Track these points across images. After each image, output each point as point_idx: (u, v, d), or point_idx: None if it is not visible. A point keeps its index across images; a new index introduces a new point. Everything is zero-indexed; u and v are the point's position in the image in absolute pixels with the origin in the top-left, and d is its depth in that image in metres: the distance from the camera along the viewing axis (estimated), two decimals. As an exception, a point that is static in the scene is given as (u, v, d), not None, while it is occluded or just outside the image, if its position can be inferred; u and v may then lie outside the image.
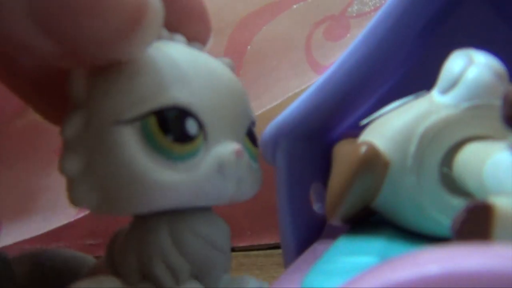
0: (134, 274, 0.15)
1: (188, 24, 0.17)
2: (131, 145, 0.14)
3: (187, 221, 0.16)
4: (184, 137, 0.15)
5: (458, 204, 0.18)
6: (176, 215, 0.16)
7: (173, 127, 0.15)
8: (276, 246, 0.38)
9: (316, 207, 0.26)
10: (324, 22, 0.38)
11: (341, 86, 0.22)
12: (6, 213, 0.37)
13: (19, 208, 0.36)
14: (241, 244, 0.39)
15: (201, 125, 0.15)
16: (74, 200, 0.14)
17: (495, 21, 0.27)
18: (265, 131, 0.22)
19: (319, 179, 0.26)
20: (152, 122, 0.14)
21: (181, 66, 0.15)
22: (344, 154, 0.21)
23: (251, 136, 0.18)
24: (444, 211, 0.18)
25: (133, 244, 0.16)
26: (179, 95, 0.15)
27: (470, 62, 0.18)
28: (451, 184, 0.18)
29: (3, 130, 0.37)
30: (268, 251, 0.38)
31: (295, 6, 0.38)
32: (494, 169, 0.14)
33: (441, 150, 0.18)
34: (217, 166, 0.16)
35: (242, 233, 0.39)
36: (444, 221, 0.18)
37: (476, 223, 0.11)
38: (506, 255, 0.08)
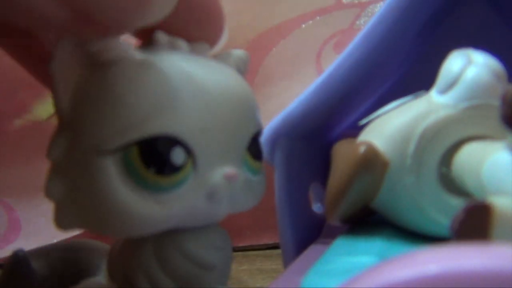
0: (123, 284, 0.15)
1: (197, 22, 0.16)
2: (112, 176, 0.13)
3: (174, 239, 0.15)
4: (168, 169, 0.14)
5: (457, 203, 0.18)
6: (164, 232, 0.15)
7: (157, 159, 0.14)
8: (275, 246, 0.38)
9: (315, 207, 0.26)
10: (334, 37, 0.38)
11: (340, 86, 0.22)
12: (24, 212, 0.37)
13: (36, 208, 0.37)
14: (240, 244, 0.39)
15: (190, 152, 0.14)
16: (57, 224, 0.14)
17: (493, 21, 0.27)
18: (264, 131, 0.22)
19: (318, 179, 0.26)
20: (134, 153, 0.13)
21: (172, 88, 0.14)
22: (344, 154, 0.21)
23: (253, 149, 0.17)
24: (443, 210, 0.18)
25: (121, 256, 0.15)
26: (167, 123, 0.14)
27: (469, 62, 0.18)
28: (450, 183, 0.18)
29: (2, 130, 0.37)
30: (267, 251, 0.38)
31: (303, 25, 0.38)
32: (493, 169, 0.14)
33: (440, 150, 0.18)
34: (206, 194, 0.15)
35: (241, 233, 0.39)
36: (443, 221, 0.18)
37: (475, 223, 0.11)
38: (504, 255, 0.08)
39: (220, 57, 0.17)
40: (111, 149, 0.13)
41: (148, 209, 0.14)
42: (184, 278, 0.15)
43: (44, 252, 0.19)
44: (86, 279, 0.18)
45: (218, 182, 0.15)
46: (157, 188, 0.14)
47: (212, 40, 0.17)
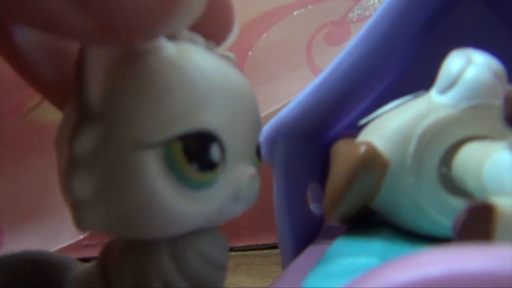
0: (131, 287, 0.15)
1: (206, 17, 0.15)
2: (153, 172, 0.13)
3: (189, 239, 0.15)
4: (208, 165, 0.13)
5: (457, 204, 0.18)
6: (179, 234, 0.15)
7: (199, 154, 0.13)
8: (273, 246, 0.38)
9: (313, 207, 0.26)
10: (325, 27, 0.38)
11: (338, 86, 0.22)
12: (8, 218, 0.37)
13: (22, 214, 0.36)
14: (239, 244, 0.39)
15: (223, 150, 0.14)
16: (81, 225, 0.13)
17: (491, 21, 0.27)
18: (262, 131, 0.22)
19: (316, 179, 0.26)
20: (177, 148, 0.13)
21: (208, 81, 0.14)
22: (343, 154, 0.21)
23: (257, 147, 0.17)
24: (443, 211, 0.18)
25: (130, 260, 0.15)
26: (208, 118, 0.13)
27: (469, 61, 0.18)
28: (450, 184, 0.18)
29: (1, 130, 0.37)
30: (266, 251, 0.38)
31: (295, 13, 0.38)
32: (494, 169, 0.14)
33: (440, 150, 0.18)
34: (233, 194, 0.15)
35: (240, 233, 0.39)
36: (443, 221, 0.18)
37: (478, 223, 0.11)
38: (508, 255, 0.08)
39: (221, 56, 0.17)
40: (153, 144, 0.13)
41: (187, 206, 0.13)
42: (199, 279, 0.15)
43: (4, 263, 0.18)
44: None
45: (245, 181, 0.15)
46: (196, 184, 0.13)
47: (219, 37, 0.17)
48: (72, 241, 0.36)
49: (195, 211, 0.14)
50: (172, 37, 0.14)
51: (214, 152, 0.14)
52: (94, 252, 0.39)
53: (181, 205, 0.13)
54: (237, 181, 0.15)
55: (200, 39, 0.16)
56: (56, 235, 0.36)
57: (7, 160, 0.37)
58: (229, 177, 0.15)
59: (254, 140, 0.16)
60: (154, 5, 0.11)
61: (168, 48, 0.13)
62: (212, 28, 0.16)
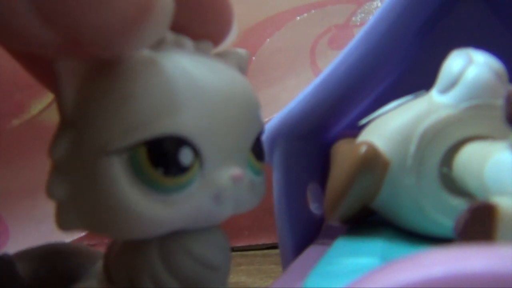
0: (125, 286, 0.15)
1: (204, 18, 0.16)
2: (119, 177, 0.13)
3: (180, 240, 0.15)
4: (176, 170, 0.13)
5: (457, 204, 0.18)
6: (169, 233, 0.15)
7: (165, 159, 0.13)
8: (273, 246, 0.38)
9: (313, 207, 0.26)
10: (329, 32, 0.38)
11: (338, 86, 0.22)
12: (10, 217, 0.37)
13: (23, 213, 0.36)
14: (239, 244, 0.39)
15: (197, 153, 0.14)
16: (60, 225, 0.13)
17: (491, 20, 0.27)
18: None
19: (316, 179, 0.26)
20: (142, 153, 0.13)
21: (179, 87, 0.14)
22: (343, 154, 0.21)
23: (256, 149, 0.17)
24: (444, 211, 0.18)
25: (126, 259, 0.15)
26: (175, 122, 0.13)
27: (469, 61, 0.18)
28: (451, 184, 0.18)
29: (2, 130, 0.37)
30: (266, 251, 0.38)
31: (299, 18, 0.38)
32: (495, 169, 0.14)
33: (441, 150, 0.18)
34: (213, 195, 0.15)
35: (240, 233, 0.39)
36: (443, 221, 0.18)
37: (479, 223, 0.11)
38: (509, 256, 0.08)
39: (222, 56, 0.17)
40: (118, 149, 0.13)
41: (155, 210, 0.13)
42: (190, 279, 0.15)
43: (29, 255, 0.18)
44: (74, 283, 0.18)
45: (225, 183, 0.15)
46: (164, 189, 0.13)
47: (217, 38, 0.17)
48: (74, 238, 0.36)
49: (169, 214, 0.14)
50: (156, 41, 0.15)
51: (184, 156, 0.14)
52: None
53: (151, 208, 0.13)
54: (216, 183, 0.15)
55: (187, 41, 0.16)
56: (57, 234, 0.36)
57: (7, 160, 0.37)
58: (207, 179, 0.14)
59: (244, 141, 0.16)
60: (120, 20, 0.11)
61: (139, 55, 0.14)
62: (211, 29, 0.16)
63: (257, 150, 0.17)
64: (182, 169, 0.14)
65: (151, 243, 0.15)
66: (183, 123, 0.14)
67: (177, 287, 0.15)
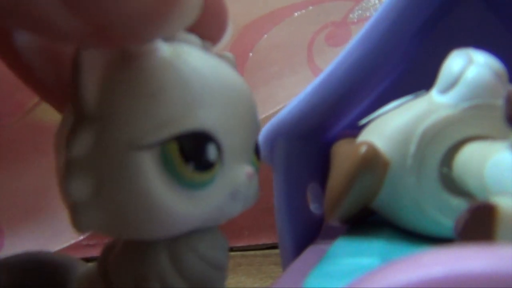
0: (128, 287, 0.15)
1: (200, 19, 0.15)
2: (149, 172, 0.13)
3: (187, 240, 0.15)
4: (205, 165, 0.13)
5: (457, 204, 0.18)
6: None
7: (195, 154, 0.13)
8: (273, 246, 0.38)
9: (313, 207, 0.26)
10: (326, 28, 0.38)
11: (338, 86, 0.22)
12: (8, 218, 0.37)
13: (22, 214, 0.36)
14: (239, 244, 0.39)
15: (219, 150, 0.14)
16: (79, 226, 0.13)
17: (491, 20, 0.27)
18: (262, 131, 0.22)
19: (316, 179, 0.26)
20: (173, 148, 0.13)
21: (204, 81, 0.14)
22: (344, 154, 0.21)
23: (257, 147, 0.17)
24: (444, 211, 0.18)
25: (129, 260, 0.15)
26: (203, 117, 0.13)
27: (469, 61, 0.18)
28: (451, 184, 0.18)
29: (2, 130, 0.37)
30: (266, 251, 0.38)
31: (296, 14, 0.38)
32: (495, 169, 0.14)
33: (441, 150, 0.18)
34: (231, 193, 0.15)
35: (240, 233, 0.39)
36: (443, 221, 0.18)
37: (479, 223, 0.11)
38: (509, 256, 0.08)
39: (219, 57, 0.17)
40: (149, 144, 0.13)
41: (184, 207, 0.13)
42: (197, 279, 0.15)
43: (8, 264, 0.18)
44: None
45: (242, 181, 0.15)
46: (192, 185, 0.13)
47: (214, 37, 0.17)
48: (72, 241, 0.36)
49: (194, 211, 0.14)
50: (168, 38, 0.14)
51: (211, 151, 0.14)
52: (94, 252, 0.39)
53: (179, 205, 0.13)
54: (234, 180, 0.15)
55: (196, 39, 0.16)
56: (56, 235, 0.36)
57: (7, 160, 0.37)
58: (226, 176, 0.15)
59: (252, 140, 0.16)
60: (148, 9, 0.11)
61: (163, 49, 0.14)
62: (206, 29, 0.16)
63: (257, 148, 0.17)
64: (209, 165, 0.14)
65: (159, 243, 0.15)
66: (209, 118, 0.14)
67: (184, 287, 0.15)
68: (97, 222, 0.13)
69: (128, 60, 0.13)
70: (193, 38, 0.15)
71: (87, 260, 0.18)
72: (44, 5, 0.11)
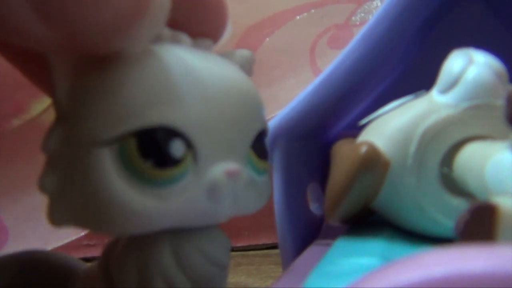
0: (131, 285, 0.15)
1: (199, 17, 0.15)
2: (108, 169, 0.13)
3: (191, 238, 0.15)
4: (166, 162, 0.13)
5: (458, 204, 0.18)
6: (179, 231, 0.15)
7: (154, 150, 0.13)
8: (273, 246, 0.38)
9: (313, 207, 0.26)
10: (328, 31, 0.38)
11: (338, 86, 0.22)
12: (10, 216, 0.37)
13: (23, 212, 0.36)
14: (239, 244, 0.39)
15: (190, 145, 0.14)
16: (51, 220, 0.13)
17: (491, 20, 0.27)
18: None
19: (316, 179, 0.26)
20: (131, 144, 0.13)
21: (172, 79, 0.14)
22: (344, 154, 0.21)
23: (258, 147, 0.16)
24: (444, 211, 0.18)
25: (132, 259, 0.15)
26: (166, 114, 0.13)
27: (470, 61, 0.18)
28: (451, 184, 0.18)
29: (2, 130, 0.37)
30: (266, 251, 0.38)
31: (298, 17, 0.38)
32: (496, 169, 0.14)
33: (441, 150, 0.18)
34: (207, 190, 0.14)
35: (240, 233, 0.39)
36: (444, 221, 0.18)
37: (480, 223, 0.11)
38: (510, 256, 0.08)
39: (225, 55, 0.17)
40: (107, 140, 0.13)
41: (145, 204, 0.13)
42: (201, 278, 0.15)
43: (5, 263, 0.18)
44: None
45: (219, 178, 0.14)
46: (154, 181, 0.13)
47: (214, 36, 0.17)
48: (72, 238, 0.36)
49: (161, 208, 0.13)
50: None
51: (175, 148, 0.13)
52: (94, 252, 0.39)
53: (142, 202, 0.13)
54: (210, 177, 0.14)
55: (185, 37, 0.15)
56: (57, 233, 0.36)
57: (7, 160, 0.37)
58: (201, 173, 0.14)
59: (243, 138, 0.16)
60: (115, 18, 0.12)
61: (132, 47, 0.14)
62: (206, 28, 0.16)
63: (259, 148, 0.16)
64: (173, 161, 0.13)
65: (163, 242, 0.15)
66: (174, 114, 0.13)
67: (187, 286, 0.15)
68: (66, 216, 0.13)
69: (97, 58, 0.13)
70: (182, 36, 0.15)
71: (87, 260, 0.18)
72: (15, 12, 0.11)
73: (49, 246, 0.35)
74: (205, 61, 0.15)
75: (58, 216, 0.13)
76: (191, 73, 0.14)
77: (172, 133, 0.13)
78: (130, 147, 0.13)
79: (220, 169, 0.14)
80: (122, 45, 0.13)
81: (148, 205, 0.13)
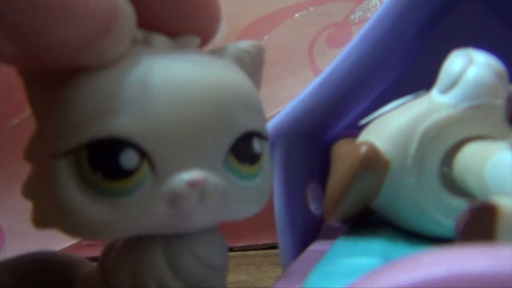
0: (126, 287, 0.15)
1: (186, 12, 0.15)
2: (65, 180, 0.13)
3: (185, 241, 0.15)
4: (116, 173, 0.13)
5: (458, 204, 0.18)
6: (173, 235, 0.15)
7: (102, 162, 0.13)
8: (273, 246, 0.38)
9: (313, 207, 0.26)
10: (327, 29, 0.38)
11: (338, 87, 0.22)
12: (8, 219, 0.37)
13: (22, 214, 0.36)
14: (239, 244, 0.39)
15: (145, 156, 0.13)
16: (33, 222, 0.14)
17: (491, 20, 0.27)
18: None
19: (316, 180, 0.26)
20: (84, 156, 0.13)
21: (127, 87, 0.13)
22: (344, 154, 0.21)
23: (241, 150, 0.15)
24: (444, 211, 0.18)
25: (126, 262, 0.15)
26: (114, 124, 0.13)
27: (470, 61, 0.18)
28: (451, 184, 0.18)
29: (2, 130, 0.37)
30: (266, 251, 0.38)
31: (297, 15, 0.38)
32: (496, 169, 0.14)
33: (441, 150, 0.18)
34: (167, 200, 0.14)
35: (240, 233, 0.39)
36: (444, 221, 0.18)
37: (480, 223, 0.11)
38: (510, 256, 0.08)
39: (217, 51, 0.16)
40: (63, 152, 0.13)
41: (102, 214, 0.13)
42: (194, 280, 0.15)
43: (12, 265, 0.18)
44: None
45: (179, 188, 0.14)
46: (109, 192, 0.13)
47: (204, 32, 0.16)
48: (73, 241, 0.36)
49: (118, 218, 0.13)
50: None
51: (125, 159, 0.13)
52: (94, 252, 0.39)
53: (98, 212, 0.13)
54: (170, 187, 0.14)
55: (158, 38, 0.15)
56: (57, 235, 0.36)
57: (7, 160, 0.37)
58: (161, 183, 0.14)
59: (216, 144, 0.15)
60: (80, 37, 0.12)
61: None
62: (195, 23, 0.16)
63: (242, 152, 0.15)
64: (123, 173, 0.13)
65: (156, 244, 0.15)
66: (126, 124, 0.13)
67: None
68: (47, 220, 0.14)
69: (57, 72, 0.13)
70: (154, 37, 0.15)
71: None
72: None
73: (50, 248, 0.35)
74: (175, 64, 0.14)
75: (39, 219, 0.14)
76: (149, 80, 0.14)
77: (122, 144, 0.13)
78: (82, 159, 0.13)
79: (182, 178, 0.14)
80: (88, 61, 0.13)
81: (104, 215, 0.13)
